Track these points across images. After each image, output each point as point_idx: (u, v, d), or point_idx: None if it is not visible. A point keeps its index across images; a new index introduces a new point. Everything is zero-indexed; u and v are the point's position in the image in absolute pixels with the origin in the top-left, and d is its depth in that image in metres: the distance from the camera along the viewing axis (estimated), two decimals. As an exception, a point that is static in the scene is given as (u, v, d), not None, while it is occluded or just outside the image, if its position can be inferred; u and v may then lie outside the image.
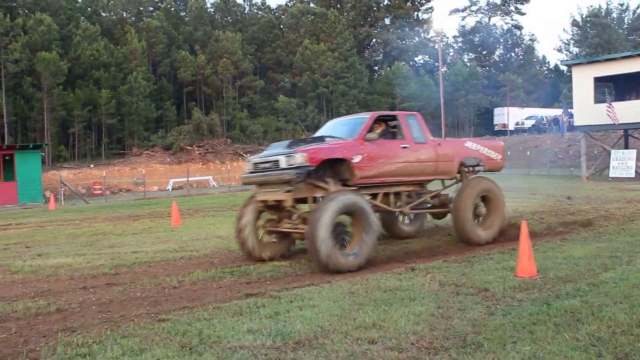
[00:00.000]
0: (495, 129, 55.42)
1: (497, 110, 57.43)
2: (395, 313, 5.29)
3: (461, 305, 5.51)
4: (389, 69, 62.91)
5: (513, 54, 76.57)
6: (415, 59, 72.22)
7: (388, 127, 9.14)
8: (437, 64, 53.46)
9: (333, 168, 8.28)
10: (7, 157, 29.26)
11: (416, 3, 70.96)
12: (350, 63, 58.47)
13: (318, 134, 9.23)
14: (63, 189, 30.34)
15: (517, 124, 53.28)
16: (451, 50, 76.16)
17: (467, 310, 5.29)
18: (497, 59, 76.12)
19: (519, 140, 44.98)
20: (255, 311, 5.63)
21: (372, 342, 4.52)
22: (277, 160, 8.00)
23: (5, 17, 43.46)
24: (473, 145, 9.87)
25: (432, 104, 51.36)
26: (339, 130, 8.94)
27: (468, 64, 69.45)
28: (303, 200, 8.24)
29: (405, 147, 8.78)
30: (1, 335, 5.25)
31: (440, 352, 4.24)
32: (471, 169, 9.84)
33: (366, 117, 8.88)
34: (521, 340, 4.39)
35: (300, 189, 7.97)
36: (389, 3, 68.82)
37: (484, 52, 75.77)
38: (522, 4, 74.97)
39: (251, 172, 8.55)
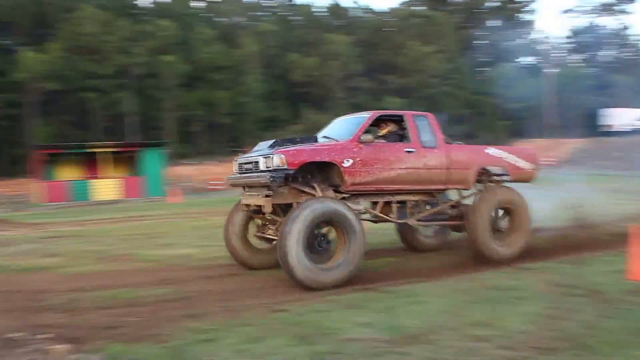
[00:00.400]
0: (603, 130, 53.04)
1: (604, 111, 55.02)
2: (505, 312, 5.20)
3: (572, 306, 5.35)
4: (494, 70, 61.10)
5: (621, 54, 71.61)
6: (520, 59, 69.57)
7: (398, 129, 8.23)
8: (542, 64, 51.27)
9: (323, 173, 7.53)
10: (133, 154, 31.51)
11: (520, 3, 68.51)
12: (457, 64, 57.40)
13: (321, 132, 8.42)
14: (183, 184, 32.11)
15: (627, 124, 50.51)
16: (558, 50, 72.53)
17: (579, 312, 5.13)
18: (605, 59, 71.50)
19: (629, 141, 42.40)
20: (368, 305, 5.72)
21: (483, 339, 4.49)
22: (257, 162, 7.34)
23: (131, 23, 46.90)
24: (495, 152, 8.76)
25: (537, 104, 49.13)
26: (339, 130, 8.15)
27: (575, 64, 65.82)
28: (289, 206, 7.51)
29: (410, 152, 7.85)
30: (131, 319, 5.61)
31: (552, 353, 4.16)
32: (494, 178, 8.76)
33: (366, 116, 8.05)
34: (636, 345, 4.18)
35: (281, 194, 7.33)
36: (494, 4, 66.90)
37: (592, 53, 71.32)
38: (629, 3, 70.19)
39: (237, 173, 7.96)
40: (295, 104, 55.27)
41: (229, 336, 4.80)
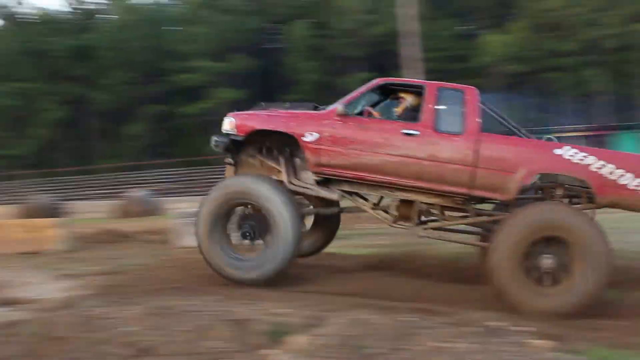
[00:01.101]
0: None
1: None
2: None
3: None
4: None
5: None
6: None
7: (422, 105, 6.29)
8: None
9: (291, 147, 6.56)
10: (604, 138, 28.03)
11: None
12: None
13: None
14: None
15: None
16: None
17: None
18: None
19: None
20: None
21: None
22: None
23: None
24: (573, 155, 5.94)
25: None
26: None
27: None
28: None
29: (409, 134, 6.15)
30: (612, 322, 5.47)
31: None
32: (564, 192, 6.27)
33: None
34: None
35: (251, 165, 6.68)
36: None
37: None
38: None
39: None
40: None
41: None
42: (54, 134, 37.47)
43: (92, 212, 21.60)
